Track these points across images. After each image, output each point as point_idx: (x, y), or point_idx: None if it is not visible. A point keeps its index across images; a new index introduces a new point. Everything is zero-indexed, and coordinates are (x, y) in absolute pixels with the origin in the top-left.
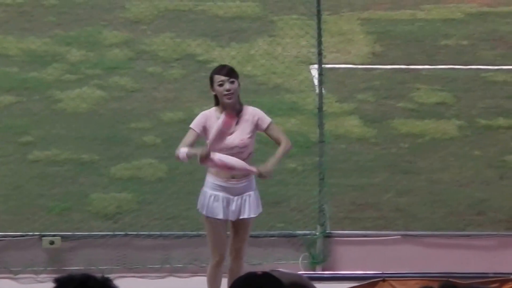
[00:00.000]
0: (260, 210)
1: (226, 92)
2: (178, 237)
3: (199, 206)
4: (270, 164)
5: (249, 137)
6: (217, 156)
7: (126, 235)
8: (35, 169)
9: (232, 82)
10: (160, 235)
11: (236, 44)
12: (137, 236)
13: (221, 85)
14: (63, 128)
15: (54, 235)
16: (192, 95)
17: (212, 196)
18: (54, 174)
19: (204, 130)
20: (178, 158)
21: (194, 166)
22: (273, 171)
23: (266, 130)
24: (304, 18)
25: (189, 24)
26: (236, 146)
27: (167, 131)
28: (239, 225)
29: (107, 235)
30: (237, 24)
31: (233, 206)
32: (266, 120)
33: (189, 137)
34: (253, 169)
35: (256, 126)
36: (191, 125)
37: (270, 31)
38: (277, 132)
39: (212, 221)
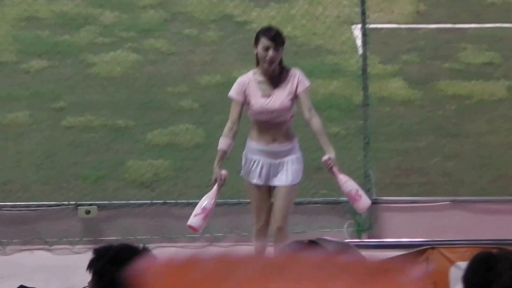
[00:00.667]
0: (299, 179)
1: (268, 59)
2: (218, 205)
3: (242, 171)
4: (330, 150)
5: (290, 100)
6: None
7: (164, 203)
8: (69, 136)
9: (277, 50)
10: None
11: (275, 4)
12: (175, 204)
13: (265, 49)
14: (97, 93)
15: (90, 204)
16: (230, 57)
17: (253, 161)
18: (89, 141)
19: (245, 97)
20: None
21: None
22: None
23: (300, 93)
24: None
25: None
26: (275, 110)
27: (205, 95)
28: (280, 192)
29: (145, 203)
30: None
31: (274, 171)
32: (305, 82)
33: (234, 111)
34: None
35: (296, 88)
36: (232, 95)
37: None
38: (309, 101)
39: (253, 187)
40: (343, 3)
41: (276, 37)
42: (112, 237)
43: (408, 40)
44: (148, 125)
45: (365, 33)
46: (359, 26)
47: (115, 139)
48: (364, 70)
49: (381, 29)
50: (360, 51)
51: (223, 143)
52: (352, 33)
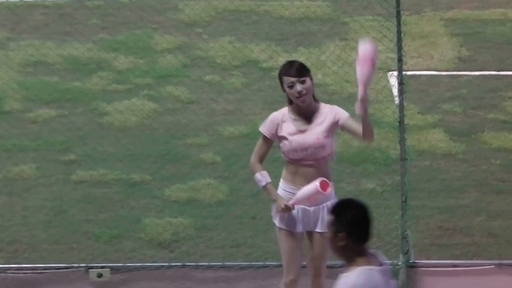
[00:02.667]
0: None
1: (298, 95)
2: (243, 268)
3: (274, 218)
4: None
5: (325, 136)
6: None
7: (183, 266)
8: (80, 192)
9: (303, 82)
10: (222, 266)
11: (304, 49)
12: (196, 267)
13: (291, 87)
14: (110, 144)
15: (102, 267)
16: (255, 106)
17: None
18: (101, 197)
19: (276, 133)
20: (252, 172)
21: (258, 187)
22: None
23: (344, 124)
24: (381, 19)
25: (251, 27)
26: (310, 146)
27: (228, 148)
28: (317, 239)
29: (163, 266)
30: (305, 26)
31: (309, 217)
32: (344, 113)
33: (263, 144)
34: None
35: (334, 123)
36: (262, 130)
37: (343, 34)
38: (357, 124)
39: (287, 234)
40: (378, 49)
41: (297, 70)
42: None
43: (449, 88)
44: (166, 180)
45: (402, 81)
46: (396, 73)
47: (130, 195)
48: (401, 121)
49: (420, 76)
50: (397, 100)
51: (265, 176)
52: (388, 80)
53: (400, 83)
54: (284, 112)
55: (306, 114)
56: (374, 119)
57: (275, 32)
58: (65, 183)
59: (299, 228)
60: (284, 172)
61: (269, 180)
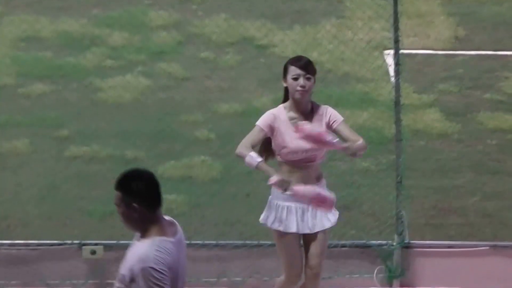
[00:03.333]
0: (336, 217)
1: (300, 88)
2: (237, 247)
3: (265, 220)
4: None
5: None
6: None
7: None
8: (73, 168)
9: (309, 79)
10: (216, 245)
11: (299, 27)
12: (189, 245)
13: (295, 78)
14: (104, 121)
15: (95, 244)
16: (249, 84)
17: (285, 208)
18: (95, 173)
19: (271, 130)
20: (241, 158)
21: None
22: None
23: (337, 128)
24: None
25: (246, 4)
26: (311, 148)
27: (222, 125)
28: (316, 238)
29: None
30: (301, 4)
31: (307, 217)
32: (338, 117)
33: (256, 135)
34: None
35: (329, 125)
36: (259, 123)
37: (339, 12)
38: (350, 131)
39: (287, 237)
40: (374, 27)
41: (306, 64)
42: None
43: (445, 68)
44: (160, 157)
45: (398, 60)
46: (392, 52)
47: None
48: (397, 102)
49: (416, 55)
50: (393, 79)
51: (254, 155)
52: (384, 59)
53: (396, 62)
54: (280, 110)
55: (303, 114)
56: (369, 98)
57: (270, 10)
58: (58, 159)
59: (299, 229)
60: (278, 172)
61: (259, 159)
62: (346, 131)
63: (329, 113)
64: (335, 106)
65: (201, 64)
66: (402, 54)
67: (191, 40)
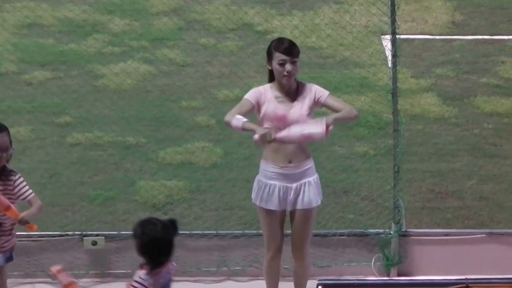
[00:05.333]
0: (319, 202)
1: (287, 74)
2: (236, 236)
3: (253, 196)
4: (332, 117)
5: (308, 114)
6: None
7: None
8: (75, 154)
9: (294, 63)
10: (216, 235)
11: (298, 12)
12: (189, 235)
13: (282, 64)
14: (106, 107)
15: (97, 235)
16: (250, 69)
17: (268, 186)
18: (96, 159)
19: (258, 105)
20: (229, 124)
21: (252, 150)
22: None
23: (325, 102)
24: None
25: None
26: (294, 122)
27: (222, 111)
28: (298, 216)
29: None
30: None
31: (291, 195)
32: (324, 92)
33: (244, 106)
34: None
35: (315, 101)
36: (247, 96)
37: None
38: (339, 102)
39: (268, 213)
40: (371, 12)
41: (291, 50)
42: (121, 270)
43: (442, 53)
44: (161, 142)
45: (395, 44)
46: (389, 37)
47: (125, 157)
48: (394, 92)
49: (413, 40)
50: (390, 64)
51: (238, 118)
52: (381, 44)
53: (394, 47)
54: (267, 89)
55: (288, 92)
56: (367, 83)
57: None
58: (60, 145)
59: (280, 207)
60: (264, 152)
61: (244, 119)
62: (335, 103)
63: (314, 90)
64: (334, 90)
65: (202, 49)
66: (399, 39)
67: (192, 26)
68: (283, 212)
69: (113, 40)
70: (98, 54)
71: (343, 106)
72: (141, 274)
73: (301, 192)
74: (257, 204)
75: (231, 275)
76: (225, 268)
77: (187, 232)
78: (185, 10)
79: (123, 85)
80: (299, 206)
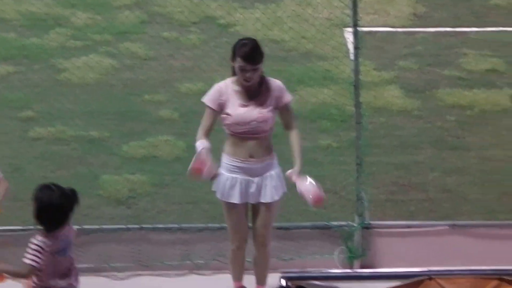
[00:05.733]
0: (284, 190)
1: (245, 81)
2: (200, 230)
3: (214, 188)
4: (297, 163)
5: (269, 111)
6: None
7: (141, 228)
8: (38, 148)
9: (256, 70)
10: (180, 228)
11: (261, 5)
12: (153, 229)
13: (242, 70)
14: (68, 101)
15: None
16: (213, 63)
17: (229, 179)
18: (59, 154)
19: (220, 106)
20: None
21: (215, 144)
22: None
23: (282, 108)
24: None
25: None
26: (254, 121)
27: (186, 104)
28: (260, 209)
29: (120, 228)
30: None
31: (252, 188)
32: (287, 97)
33: (208, 118)
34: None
35: (276, 102)
36: (206, 101)
37: None
38: (291, 117)
39: (230, 206)
40: (334, 4)
41: (253, 58)
42: (84, 265)
43: (405, 45)
44: (124, 136)
45: (357, 37)
46: (351, 29)
47: (88, 151)
48: (356, 85)
49: (376, 32)
50: (353, 56)
51: (201, 142)
52: (344, 36)
53: (356, 39)
54: (227, 83)
55: (250, 89)
56: (330, 76)
57: None
58: (23, 140)
59: (241, 200)
60: (225, 145)
61: (200, 147)
62: (289, 115)
63: (278, 89)
64: (297, 83)
65: (165, 43)
66: (362, 31)
67: (155, 19)
68: (246, 204)
69: (76, 34)
70: (60, 48)
71: (293, 124)
72: (38, 237)
73: (263, 186)
74: (219, 197)
75: (195, 268)
76: (188, 262)
77: (151, 226)
78: (147, 3)
79: (86, 79)
80: (261, 200)
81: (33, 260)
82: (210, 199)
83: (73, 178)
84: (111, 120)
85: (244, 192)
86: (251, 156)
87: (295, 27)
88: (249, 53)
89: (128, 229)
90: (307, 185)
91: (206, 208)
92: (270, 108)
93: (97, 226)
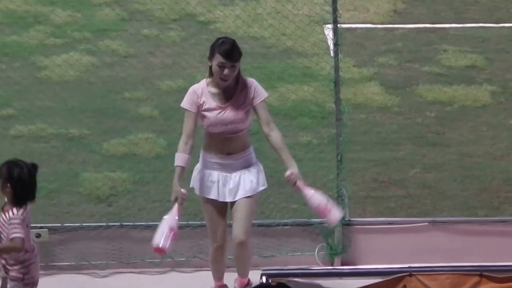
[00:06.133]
0: (264, 186)
1: (223, 77)
2: (180, 227)
3: (193, 185)
4: (292, 164)
5: (246, 111)
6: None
7: (121, 226)
8: (18, 146)
9: (233, 67)
10: None
11: (241, 2)
12: (134, 227)
13: (220, 67)
14: (48, 99)
15: (41, 227)
16: (193, 60)
17: (207, 175)
18: (39, 151)
19: (198, 108)
20: None
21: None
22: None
23: (257, 105)
24: None
25: None
26: (231, 122)
27: (166, 101)
28: (238, 205)
29: (101, 226)
30: None
31: (230, 185)
32: (262, 93)
33: (188, 121)
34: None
35: (252, 99)
36: (185, 106)
37: None
38: (267, 114)
39: (209, 202)
40: (314, 1)
41: (232, 55)
42: (66, 262)
43: (384, 41)
44: (105, 134)
45: (337, 33)
46: (331, 26)
47: (68, 149)
48: (336, 81)
49: (356, 29)
50: (333, 53)
51: (180, 159)
52: (324, 33)
53: (335, 36)
54: (202, 85)
55: (226, 88)
56: (310, 72)
57: None
58: (3, 138)
59: (219, 196)
60: (204, 142)
61: (182, 164)
62: (263, 114)
63: (254, 88)
64: (277, 80)
65: (145, 40)
66: (341, 28)
67: (134, 17)
68: (225, 204)
69: (55, 31)
70: (40, 45)
71: (271, 122)
72: (13, 211)
73: (241, 181)
74: (197, 193)
75: (176, 266)
76: (169, 259)
77: (131, 223)
78: (127, 1)
79: (66, 76)
80: (239, 195)
81: (21, 232)
82: (189, 196)
83: (53, 175)
84: (91, 117)
85: (222, 187)
86: (228, 153)
87: (275, 24)
88: (229, 50)
89: (109, 227)
90: (321, 206)
91: (186, 205)
92: (247, 108)
93: (77, 224)
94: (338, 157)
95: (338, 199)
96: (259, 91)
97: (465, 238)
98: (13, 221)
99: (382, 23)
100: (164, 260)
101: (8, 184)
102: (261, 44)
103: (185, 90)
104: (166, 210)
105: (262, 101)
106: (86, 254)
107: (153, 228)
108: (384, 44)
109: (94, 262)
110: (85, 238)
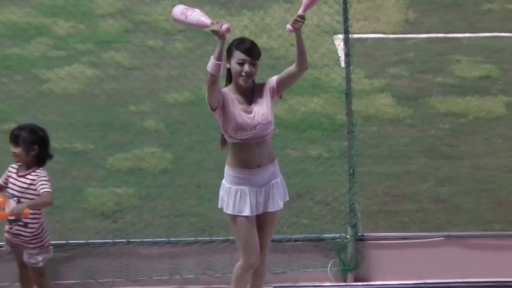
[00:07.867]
0: (287, 199)
1: (244, 75)
2: (188, 243)
3: (221, 205)
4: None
5: (270, 110)
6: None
7: (128, 242)
8: None
9: (254, 65)
10: (168, 242)
11: (248, 12)
12: (140, 243)
13: (240, 64)
14: (51, 112)
15: None
16: (199, 72)
17: (239, 192)
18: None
19: (223, 101)
20: (207, 85)
21: (203, 155)
22: None
23: (279, 81)
24: None
25: None
26: (259, 124)
27: (172, 114)
28: (266, 219)
29: (107, 243)
30: None
31: (261, 198)
32: (272, 78)
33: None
34: None
35: (271, 93)
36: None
37: None
38: (287, 69)
39: (243, 220)
40: (323, 11)
41: (252, 50)
42: (71, 280)
43: (396, 52)
44: (109, 148)
45: (348, 43)
46: (341, 36)
47: (72, 164)
48: (348, 93)
49: (366, 39)
50: (343, 63)
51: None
52: (333, 43)
53: (346, 46)
54: (226, 92)
55: (246, 94)
56: (320, 84)
57: None
58: (5, 152)
59: (252, 212)
60: (229, 157)
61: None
62: (284, 72)
63: (267, 83)
64: (286, 92)
65: (150, 52)
66: (352, 38)
67: (139, 28)
68: (255, 218)
69: (58, 43)
70: (42, 58)
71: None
72: (39, 171)
73: (271, 194)
74: (229, 212)
75: (184, 283)
76: (177, 276)
77: (138, 240)
78: (131, 12)
79: (69, 89)
80: (270, 209)
81: (50, 187)
82: (197, 211)
83: (57, 191)
84: (95, 131)
85: (255, 203)
86: (258, 166)
87: (283, 34)
88: (249, 45)
89: (115, 243)
90: None
91: (193, 221)
92: (270, 107)
93: (83, 241)
94: (350, 170)
95: (351, 213)
96: (270, 80)
97: (481, 253)
98: (41, 178)
99: (393, 33)
100: (172, 278)
101: (36, 147)
102: (270, 55)
103: (191, 103)
104: (174, 226)
105: (275, 79)
106: (92, 272)
107: (160, 244)
108: (396, 55)
109: (100, 280)
110: (91, 255)
